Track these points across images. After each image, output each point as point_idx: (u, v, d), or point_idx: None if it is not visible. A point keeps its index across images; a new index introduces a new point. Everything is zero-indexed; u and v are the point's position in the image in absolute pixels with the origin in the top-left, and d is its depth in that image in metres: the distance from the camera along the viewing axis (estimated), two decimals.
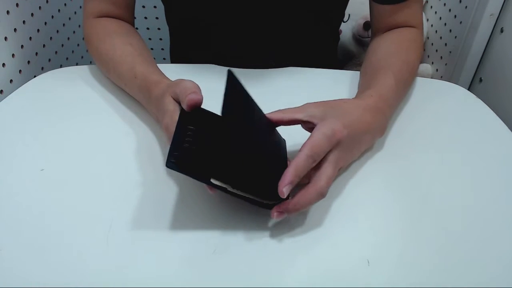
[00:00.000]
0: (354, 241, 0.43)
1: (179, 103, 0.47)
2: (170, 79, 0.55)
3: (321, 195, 0.42)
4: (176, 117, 0.44)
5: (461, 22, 0.84)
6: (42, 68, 0.83)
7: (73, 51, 0.95)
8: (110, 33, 0.64)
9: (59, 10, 0.88)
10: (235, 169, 0.39)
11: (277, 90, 0.65)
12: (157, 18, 1.10)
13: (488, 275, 0.40)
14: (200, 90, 0.46)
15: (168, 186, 0.48)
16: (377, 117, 0.51)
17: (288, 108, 0.47)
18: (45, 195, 0.47)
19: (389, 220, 0.45)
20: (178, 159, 0.40)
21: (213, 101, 0.46)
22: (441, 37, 0.93)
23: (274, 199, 0.41)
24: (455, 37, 0.86)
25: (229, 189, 0.40)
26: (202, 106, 0.46)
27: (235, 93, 0.41)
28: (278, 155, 0.45)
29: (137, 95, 0.58)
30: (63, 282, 0.38)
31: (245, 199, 0.41)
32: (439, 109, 0.62)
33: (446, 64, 0.90)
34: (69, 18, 0.92)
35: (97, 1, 0.67)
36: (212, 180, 0.40)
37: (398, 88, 0.56)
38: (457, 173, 0.51)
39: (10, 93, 0.63)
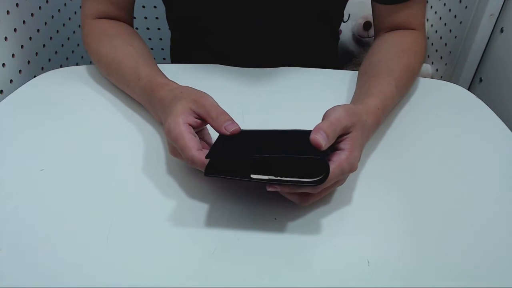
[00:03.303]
0: (354, 241, 0.43)
1: (197, 115, 0.46)
2: (171, 79, 0.55)
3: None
4: (179, 120, 0.44)
5: (461, 22, 0.84)
6: (42, 68, 0.83)
7: (73, 51, 0.95)
8: (110, 35, 0.64)
9: (59, 10, 0.88)
10: (276, 158, 0.40)
11: (277, 90, 0.65)
12: (157, 18, 1.10)
13: (488, 275, 0.40)
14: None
15: (168, 186, 0.48)
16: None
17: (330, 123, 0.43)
18: (45, 195, 0.47)
19: (389, 220, 0.45)
20: (214, 166, 0.41)
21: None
22: (441, 37, 0.93)
23: (313, 176, 0.40)
24: (455, 37, 0.86)
25: (272, 177, 0.39)
26: None
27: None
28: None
29: (139, 96, 0.58)
30: (63, 282, 0.38)
31: (286, 183, 0.40)
32: (439, 109, 0.62)
33: (446, 64, 0.90)
34: (69, 18, 0.92)
35: (95, 2, 0.67)
36: (252, 176, 0.40)
37: (397, 95, 0.57)
38: (457, 173, 0.51)
39: (10, 93, 0.63)
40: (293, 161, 0.41)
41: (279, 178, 0.39)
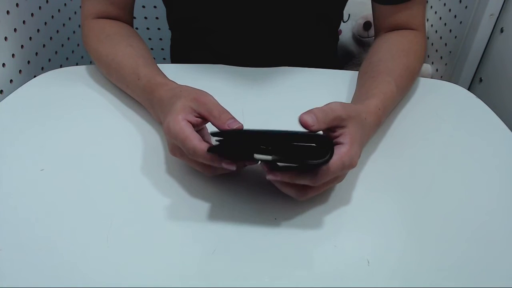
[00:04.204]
0: (354, 241, 0.43)
1: (196, 113, 0.46)
2: (171, 79, 0.55)
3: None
4: (179, 117, 0.44)
5: (461, 22, 0.84)
6: (42, 68, 0.83)
7: (73, 51, 0.95)
8: (109, 34, 0.64)
9: (59, 10, 0.88)
10: (277, 141, 0.40)
11: (277, 90, 0.65)
12: (157, 18, 1.10)
13: (488, 275, 0.40)
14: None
15: (168, 186, 0.48)
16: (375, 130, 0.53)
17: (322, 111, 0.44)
18: (45, 195, 0.47)
19: (389, 220, 0.45)
20: (217, 146, 0.41)
21: None
22: (441, 37, 0.93)
23: (318, 158, 0.39)
24: (455, 37, 0.86)
25: (276, 157, 0.39)
26: None
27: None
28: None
29: (139, 96, 0.58)
30: (63, 282, 0.38)
31: (290, 162, 0.40)
32: (439, 109, 0.62)
33: (446, 64, 0.90)
34: (69, 18, 0.92)
35: (95, 2, 0.67)
36: (256, 156, 0.39)
37: (397, 95, 0.57)
38: (457, 173, 0.51)
39: (10, 93, 0.64)
40: (296, 147, 0.40)
41: (281, 159, 0.39)
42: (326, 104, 0.45)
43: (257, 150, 0.39)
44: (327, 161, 0.39)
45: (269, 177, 0.41)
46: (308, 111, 0.42)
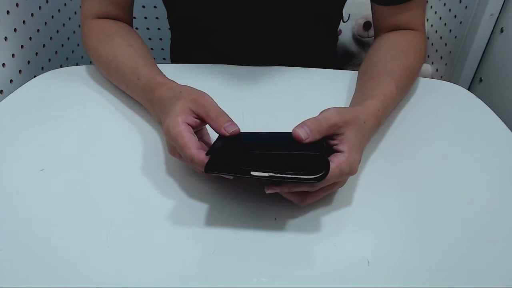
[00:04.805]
0: (354, 241, 0.43)
1: (195, 114, 0.46)
2: (171, 79, 0.55)
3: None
4: (178, 119, 0.44)
5: (461, 22, 0.84)
6: (42, 68, 0.83)
7: (73, 51, 0.95)
8: (109, 34, 0.64)
9: (59, 10, 0.88)
10: (273, 156, 0.41)
11: (277, 90, 0.65)
12: (157, 18, 1.10)
13: (488, 275, 0.40)
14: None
15: (168, 186, 0.48)
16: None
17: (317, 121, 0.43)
18: (45, 195, 0.47)
19: (389, 220, 0.45)
20: (214, 164, 0.41)
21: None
22: (441, 37, 0.93)
23: (314, 174, 0.40)
24: (455, 37, 0.86)
25: (272, 174, 0.40)
26: None
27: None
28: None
29: (139, 96, 0.58)
30: (63, 282, 0.38)
31: (286, 179, 0.41)
32: (439, 109, 0.62)
33: (446, 64, 0.90)
34: (69, 18, 0.92)
35: (95, 2, 0.67)
36: (253, 173, 0.40)
37: (397, 96, 0.57)
38: (457, 173, 0.51)
39: (10, 93, 0.64)
40: (293, 159, 0.41)
41: (279, 174, 0.39)
42: (321, 112, 0.45)
43: (253, 167, 0.40)
44: (323, 177, 0.39)
45: (268, 191, 0.41)
46: (301, 123, 0.42)
